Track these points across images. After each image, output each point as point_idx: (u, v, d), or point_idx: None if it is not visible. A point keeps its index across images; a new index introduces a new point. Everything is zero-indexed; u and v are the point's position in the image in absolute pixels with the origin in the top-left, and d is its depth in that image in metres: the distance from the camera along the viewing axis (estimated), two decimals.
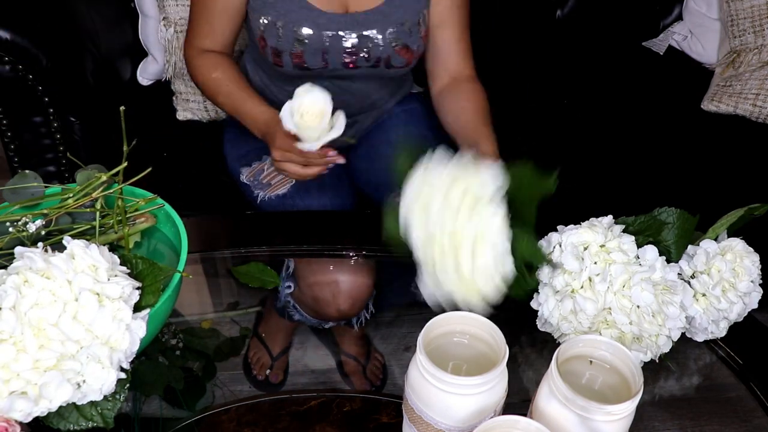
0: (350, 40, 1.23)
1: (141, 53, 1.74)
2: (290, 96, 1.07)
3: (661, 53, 1.91)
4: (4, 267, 0.75)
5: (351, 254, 1.10)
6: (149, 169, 0.86)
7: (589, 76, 1.88)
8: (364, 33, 1.23)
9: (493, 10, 1.82)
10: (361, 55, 1.25)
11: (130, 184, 0.86)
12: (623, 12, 1.88)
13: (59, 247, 0.78)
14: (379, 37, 1.24)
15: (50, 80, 1.44)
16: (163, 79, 1.73)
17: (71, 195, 0.84)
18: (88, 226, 0.84)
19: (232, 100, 1.25)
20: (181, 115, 1.66)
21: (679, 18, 1.90)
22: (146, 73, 1.75)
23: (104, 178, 0.85)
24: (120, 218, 0.85)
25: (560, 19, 1.86)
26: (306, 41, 1.22)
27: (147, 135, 1.62)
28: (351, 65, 1.26)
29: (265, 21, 1.22)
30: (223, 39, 1.30)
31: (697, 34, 1.85)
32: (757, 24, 1.71)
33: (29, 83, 1.42)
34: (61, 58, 1.46)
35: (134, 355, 0.74)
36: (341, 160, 1.11)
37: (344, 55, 1.24)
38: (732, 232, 0.93)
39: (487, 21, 1.83)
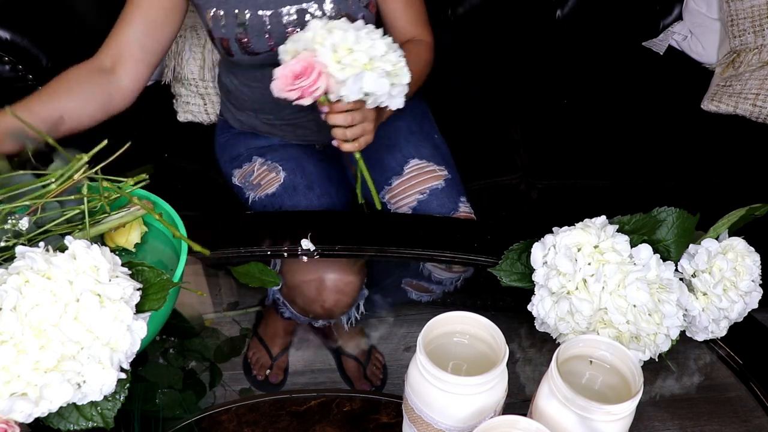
0: (289, 17, 1.24)
1: None
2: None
3: (661, 53, 1.91)
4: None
5: (347, 254, 1.10)
6: (105, 142, 0.85)
7: (589, 76, 1.88)
8: (303, 6, 1.23)
9: (493, 10, 1.82)
10: (302, 29, 1.24)
11: (108, 163, 0.84)
12: (623, 12, 1.88)
13: (52, 241, 0.78)
14: (317, 8, 1.24)
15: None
16: (163, 82, 1.73)
17: (53, 180, 0.83)
18: (77, 210, 0.83)
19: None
20: (182, 117, 1.66)
21: (679, 18, 1.90)
22: None
23: (85, 158, 0.84)
24: (107, 200, 0.84)
25: (560, 19, 1.86)
26: (247, 23, 1.23)
27: (147, 135, 1.63)
28: None
29: (210, 13, 1.24)
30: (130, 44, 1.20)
31: (697, 34, 1.85)
32: (757, 24, 1.71)
33: (29, 83, 1.42)
34: (61, 58, 1.46)
35: (134, 356, 0.74)
36: None
37: (286, 33, 1.25)
38: (733, 232, 0.93)
39: (488, 21, 1.83)
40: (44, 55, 1.42)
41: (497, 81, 1.85)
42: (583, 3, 1.84)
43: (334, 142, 1.12)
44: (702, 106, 1.75)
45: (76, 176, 0.83)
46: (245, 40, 1.24)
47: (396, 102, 1.07)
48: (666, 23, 1.92)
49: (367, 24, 1.10)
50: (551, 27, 1.87)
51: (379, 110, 1.15)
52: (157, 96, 1.73)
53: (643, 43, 1.94)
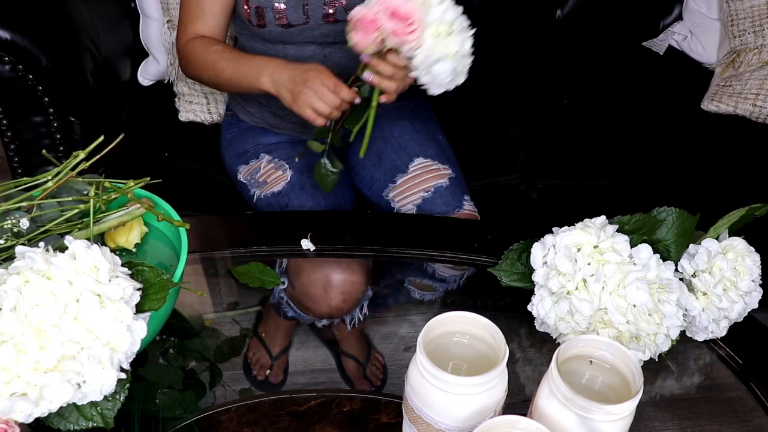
0: None
1: (141, 53, 1.74)
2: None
3: (661, 53, 1.91)
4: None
5: (349, 254, 1.10)
6: (101, 138, 0.86)
7: (589, 76, 1.88)
8: None
9: (494, 10, 1.82)
10: (339, 5, 1.26)
11: (98, 159, 0.85)
12: (623, 12, 1.88)
13: (51, 240, 0.78)
14: None
15: (50, 80, 1.44)
16: (166, 81, 1.73)
17: (50, 178, 0.83)
18: (77, 210, 0.83)
19: (238, 61, 1.26)
20: (184, 116, 1.66)
21: (679, 18, 1.90)
22: (147, 74, 1.75)
23: (82, 155, 0.84)
24: (103, 198, 0.84)
25: (560, 19, 1.86)
26: None
27: (147, 135, 1.63)
28: (331, 19, 1.27)
29: None
30: (214, 22, 1.32)
31: (697, 34, 1.85)
32: (757, 24, 1.71)
33: (29, 83, 1.42)
34: (61, 58, 1.46)
35: (134, 356, 0.74)
36: (357, 100, 1.16)
37: (324, 6, 1.26)
38: (733, 232, 0.93)
39: (488, 21, 1.83)
40: (44, 55, 1.42)
41: (497, 80, 1.85)
42: (583, 3, 1.84)
43: (367, 75, 1.12)
44: (702, 106, 1.75)
45: (72, 173, 0.83)
46: (282, 8, 1.25)
47: (436, 90, 1.11)
48: (666, 23, 1.92)
49: None
50: (551, 27, 1.87)
51: None
52: (157, 95, 1.73)
53: (643, 43, 1.93)
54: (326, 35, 1.30)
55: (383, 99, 1.15)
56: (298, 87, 1.16)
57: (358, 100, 1.16)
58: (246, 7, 1.28)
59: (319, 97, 1.14)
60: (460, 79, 1.10)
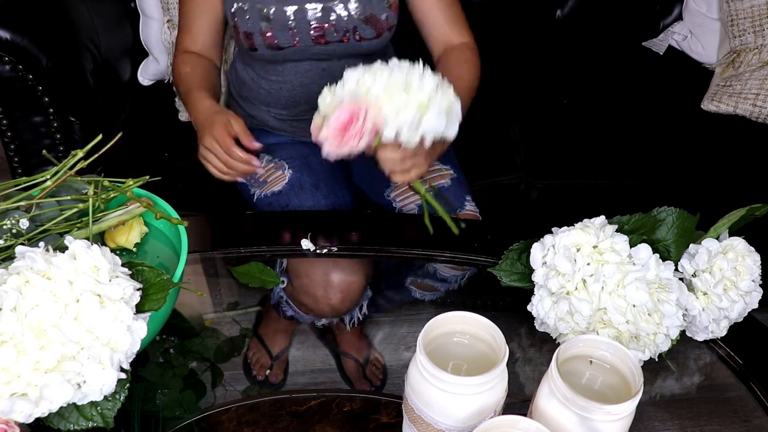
0: (314, 13, 1.25)
1: (141, 53, 1.74)
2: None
3: (661, 53, 1.91)
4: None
5: (347, 254, 1.10)
6: (99, 137, 0.87)
7: (589, 76, 1.88)
8: (328, 4, 1.25)
9: (494, 10, 1.82)
10: (327, 26, 1.26)
11: (100, 155, 0.85)
12: (623, 12, 1.88)
13: (51, 240, 0.78)
14: (343, 8, 1.26)
15: (50, 80, 1.44)
16: (166, 81, 1.73)
17: (48, 177, 0.83)
18: (76, 209, 0.83)
19: (188, 93, 1.28)
20: (184, 116, 1.66)
21: (679, 18, 1.90)
22: (147, 74, 1.75)
23: (81, 154, 0.84)
24: (102, 197, 0.84)
25: (560, 19, 1.86)
26: (271, 18, 1.25)
27: (147, 135, 1.63)
28: (321, 40, 1.28)
29: (236, 6, 1.27)
30: (201, 39, 1.34)
31: (697, 34, 1.85)
32: (757, 24, 1.71)
33: (29, 83, 1.42)
34: (61, 58, 1.46)
35: (134, 356, 0.74)
36: (260, 171, 1.18)
37: (311, 29, 1.26)
38: (733, 232, 0.94)
39: (488, 21, 1.83)
40: (44, 55, 1.42)
41: (497, 81, 1.85)
42: (583, 3, 1.84)
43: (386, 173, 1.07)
44: (702, 106, 1.75)
45: (70, 172, 0.83)
46: (269, 34, 1.26)
47: (452, 131, 1.00)
48: (666, 23, 1.92)
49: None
50: (551, 27, 1.87)
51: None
52: (157, 95, 1.74)
53: (643, 43, 1.94)
54: (320, 54, 1.30)
55: (404, 179, 1.07)
56: (201, 141, 1.19)
57: (257, 162, 1.14)
58: (236, 33, 1.29)
59: (208, 158, 1.19)
60: (458, 105, 0.99)
